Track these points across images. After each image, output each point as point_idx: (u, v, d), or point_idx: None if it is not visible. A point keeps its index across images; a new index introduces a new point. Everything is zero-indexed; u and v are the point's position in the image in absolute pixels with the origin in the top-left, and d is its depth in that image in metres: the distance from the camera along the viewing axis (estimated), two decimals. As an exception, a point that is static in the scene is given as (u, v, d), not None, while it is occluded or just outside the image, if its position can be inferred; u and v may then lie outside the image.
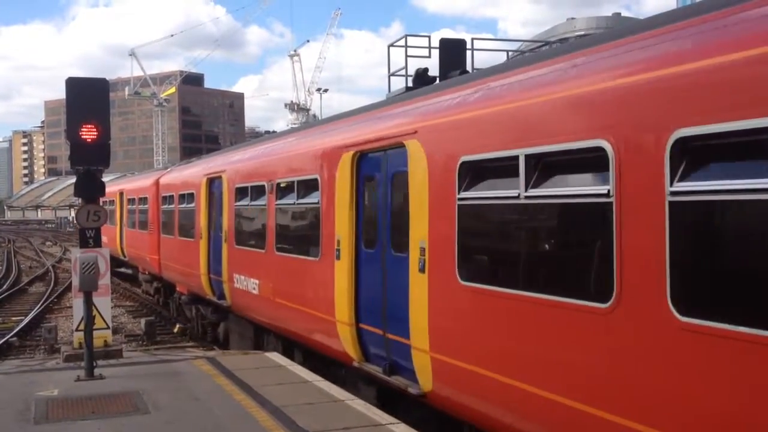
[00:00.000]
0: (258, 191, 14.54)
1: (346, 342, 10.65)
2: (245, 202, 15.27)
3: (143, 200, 26.59)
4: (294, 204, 12.99)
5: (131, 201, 29.45)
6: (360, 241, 10.61)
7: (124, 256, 31.46)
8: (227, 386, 11.05)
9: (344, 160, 10.87)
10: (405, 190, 9.03)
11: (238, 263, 15.65)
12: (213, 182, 17.77)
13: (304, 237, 12.71)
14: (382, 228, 9.96)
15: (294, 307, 12.73)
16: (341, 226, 10.88)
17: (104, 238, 34.55)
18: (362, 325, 10.30)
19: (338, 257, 10.92)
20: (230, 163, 16.94)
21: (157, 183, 24.70)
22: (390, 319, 9.40)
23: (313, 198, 12.07)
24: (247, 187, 15.17)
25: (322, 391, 10.56)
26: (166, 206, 22.95)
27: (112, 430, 8.88)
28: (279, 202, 13.47)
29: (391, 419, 9.03)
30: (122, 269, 34.94)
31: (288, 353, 13.69)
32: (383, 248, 9.90)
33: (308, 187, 12.35)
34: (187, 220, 19.97)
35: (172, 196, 21.90)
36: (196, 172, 19.91)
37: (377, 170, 10.09)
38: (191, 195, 19.53)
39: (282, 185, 13.46)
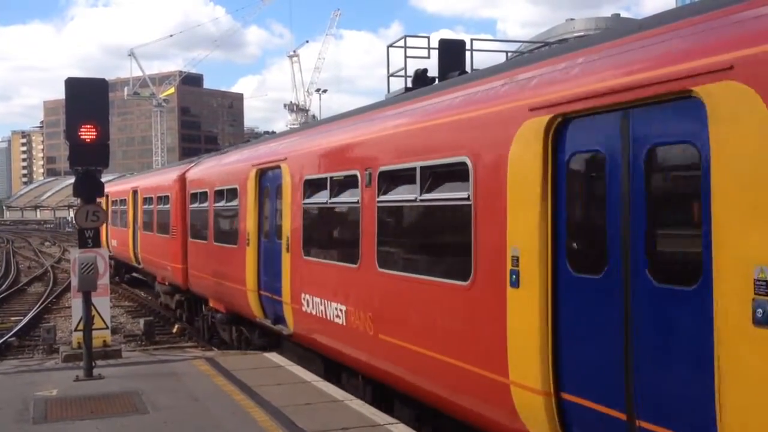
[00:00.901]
0: (344, 184, 10.95)
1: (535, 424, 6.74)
2: (321, 198, 11.67)
3: (163, 199, 22.72)
4: (412, 201, 8.90)
5: (147, 200, 25.42)
6: (562, 259, 6.54)
7: (138, 263, 27.66)
8: (226, 386, 11.06)
9: (531, 130, 6.77)
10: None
11: (308, 280, 11.94)
12: (265, 174, 14.39)
13: (427, 248, 9.06)
14: (616, 237, 6.00)
15: (415, 351, 8.69)
16: (521, 234, 6.84)
17: (114, 242, 32.62)
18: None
19: (515, 283, 6.91)
20: (295, 148, 13.05)
21: (181, 178, 20.96)
22: None
23: (455, 192, 8.04)
24: (324, 179, 11.48)
25: (321, 392, 10.57)
26: (195, 205, 19.35)
27: (110, 431, 8.88)
28: (384, 198, 9.56)
29: (390, 419, 9.05)
30: (135, 274, 32.87)
31: (389, 408, 10.06)
32: (627, 272, 5.87)
33: (444, 175, 8.38)
34: (226, 223, 16.70)
35: (204, 193, 18.43)
36: (239, 162, 16.22)
37: (603, 145, 6.16)
38: (232, 191, 16.00)
39: (390, 174, 9.47)
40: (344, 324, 10.52)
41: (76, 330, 13.78)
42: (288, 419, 9.13)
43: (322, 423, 8.92)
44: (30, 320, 22.37)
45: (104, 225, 33.40)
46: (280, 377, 11.63)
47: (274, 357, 13.39)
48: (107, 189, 35.64)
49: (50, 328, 18.33)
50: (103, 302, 14.02)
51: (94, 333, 12.67)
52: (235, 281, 15.39)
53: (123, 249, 30.18)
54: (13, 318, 23.67)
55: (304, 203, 12.20)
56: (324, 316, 11.24)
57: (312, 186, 12.02)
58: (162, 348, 18.40)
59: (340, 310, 10.66)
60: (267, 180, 14.28)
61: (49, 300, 27.39)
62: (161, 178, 24.38)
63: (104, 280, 13.88)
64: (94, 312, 12.80)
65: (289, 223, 12.65)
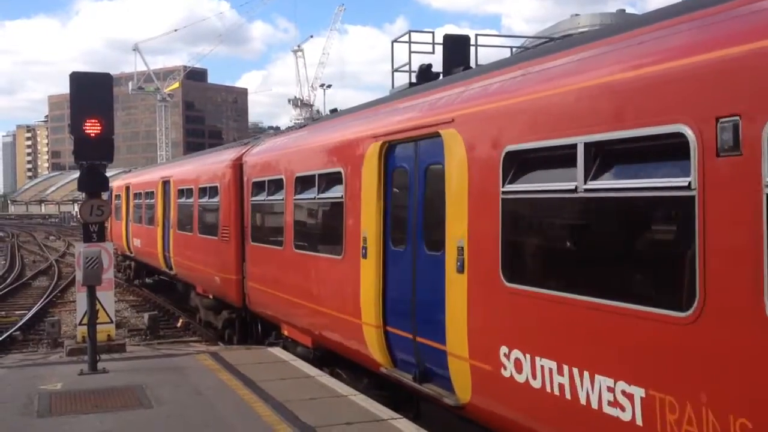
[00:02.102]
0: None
1: None
2: (557, 182, 6.64)
3: (209, 191, 18.16)
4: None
5: (184, 193, 20.75)
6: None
7: (169, 268, 22.80)
8: (230, 381, 11.09)
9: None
10: None
11: (522, 326, 7.11)
12: (396, 150, 9.69)
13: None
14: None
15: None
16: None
17: (136, 242, 28.08)
18: None
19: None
20: (478, 101, 8.13)
21: (237, 164, 16.36)
22: None
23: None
24: (564, 149, 6.50)
25: (325, 387, 10.59)
26: (260, 198, 14.75)
27: (115, 425, 8.91)
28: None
29: (393, 414, 9.07)
30: (161, 277, 27.45)
31: None
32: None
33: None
34: (318, 222, 12.57)
35: (277, 181, 13.70)
36: (343, 136, 11.32)
37: None
38: (331, 177, 11.42)
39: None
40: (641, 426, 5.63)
41: (80, 324, 13.82)
42: (292, 414, 9.15)
43: (326, 417, 8.94)
44: (35, 314, 22.42)
45: (123, 221, 30.59)
46: (284, 372, 11.65)
47: (278, 352, 13.42)
48: (127, 180, 31.66)
49: (55, 322, 18.38)
50: (107, 296, 14.06)
51: (99, 327, 12.70)
52: (337, 307, 10.96)
53: (149, 251, 25.42)
54: (17, 312, 23.72)
55: (509, 192, 7.21)
56: (567, 396, 6.33)
57: (528, 163, 7.09)
58: (166, 342, 18.44)
59: (629, 397, 5.68)
60: (401, 157, 9.58)
61: (53, 294, 27.45)
62: (205, 165, 19.47)
63: (109, 275, 13.92)
64: (98, 306, 12.82)
65: (465, 224, 7.85)
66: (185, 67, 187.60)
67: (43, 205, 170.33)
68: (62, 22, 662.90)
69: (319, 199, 11.94)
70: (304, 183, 12.54)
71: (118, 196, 32.79)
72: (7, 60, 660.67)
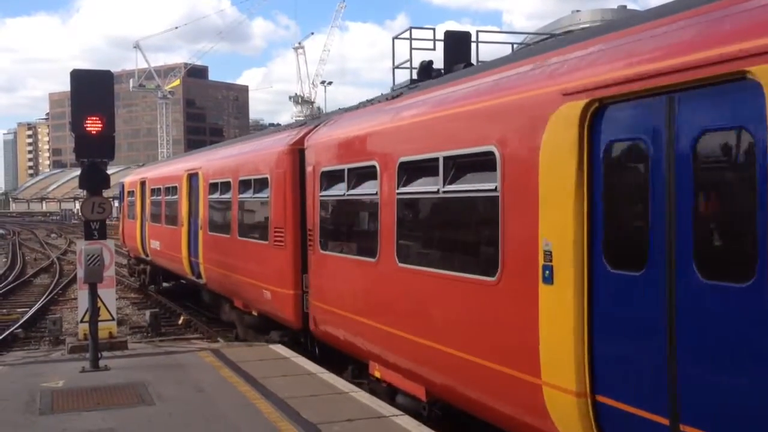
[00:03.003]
0: None
1: None
2: None
3: (255, 185, 14.93)
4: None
5: (218, 188, 17.50)
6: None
7: (198, 277, 19.50)
8: (231, 378, 11.10)
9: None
10: None
11: None
12: (609, 113, 6.23)
13: None
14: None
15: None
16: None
17: (154, 244, 24.24)
18: None
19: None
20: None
21: (294, 150, 13.09)
22: None
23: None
24: None
25: (327, 383, 10.59)
26: (335, 193, 11.38)
27: (116, 422, 8.92)
28: None
29: (395, 411, 9.07)
30: (182, 281, 24.13)
31: None
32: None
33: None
34: (449, 228, 8.87)
35: (367, 169, 10.27)
36: (503, 96, 7.64)
37: None
38: (476, 160, 7.98)
39: None
40: None
41: (82, 321, 13.84)
42: (293, 410, 9.16)
43: (327, 414, 8.95)
44: (36, 312, 22.44)
45: (138, 221, 27.10)
46: (286, 369, 11.66)
47: (279, 349, 13.42)
48: (143, 174, 27.78)
49: (56, 320, 18.39)
50: (109, 294, 14.07)
51: (100, 324, 12.70)
52: (485, 353, 7.67)
53: (171, 254, 22.15)
54: (19, 309, 23.75)
55: None
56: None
57: None
58: (168, 340, 18.45)
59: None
60: (628, 123, 6.07)
61: (55, 291, 27.48)
62: (248, 153, 16.03)
63: (110, 272, 13.92)
64: (100, 303, 12.83)
65: None
66: (186, 64, 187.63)
67: (44, 202, 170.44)
68: (63, 20, 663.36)
69: (447, 193, 8.30)
70: (414, 171, 9.05)
71: (131, 193, 29.52)
72: (8, 57, 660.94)
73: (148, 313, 20.90)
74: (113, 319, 14.49)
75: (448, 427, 9.06)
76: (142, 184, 27.10)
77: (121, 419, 9.02)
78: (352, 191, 10.76)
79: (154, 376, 11.24)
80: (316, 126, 12.89)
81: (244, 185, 15.60)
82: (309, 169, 12.27)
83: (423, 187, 8.88)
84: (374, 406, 9.29)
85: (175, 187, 21.64)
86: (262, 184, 14.55)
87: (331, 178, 11.50)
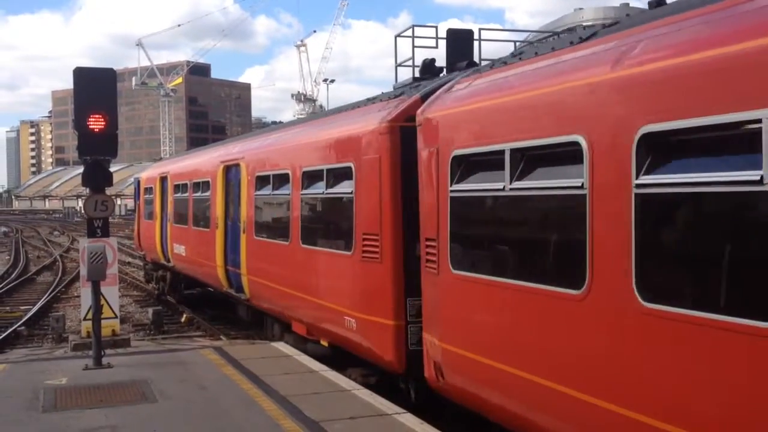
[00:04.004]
0: None
1: None
2: None
3: (326, 178, 11.69)
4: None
5: (263, 181, 14.42)
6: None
7: (237, 290, 16.07)
8: (234, 375, 11.12)
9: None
10: None
11: None
12: None
13: None
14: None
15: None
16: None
17: (179, 249, 20.83)
18: None
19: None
20: None
21: (394, 128, 9.83)
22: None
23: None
24: None
25: (329, 381, 10.61)
26: (482, 188, 7.83)
27: (119, 419, 8.94)
28: None
29: (397, 408, 9.08)
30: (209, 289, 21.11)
31: None
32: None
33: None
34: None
35: (567, 148, 6.34)
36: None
37: None
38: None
39: None
40: None
41: (85, 319, 13.87)
42: (295, 408, 9.17)
43: (330, 412, 8.96)
44: (39, 309, 22.47)
45: (157, 221, 23.66)
46: (288, 366, 11.67)
47: (281, 346, 13.43)
48: (164, 168, 24.24)
49: (59, 318, 18.42)
50: (111, 291, 14.10)
51: (103, 322, 12.73)
52: None
53: (201, 262, 18.85)
54: (22, 307, 23.79)
55: None
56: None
57: None
58: (170, 337, 18.48)
59: None
60: None
61: (58, 289, 27.51)
62: (318, 136, 12.40)
63: (113, 270, 13.95)
64: (103, 301, 12.86)
65: None
66: (188, 62, 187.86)
67: (47, 200, 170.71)
68: (66, 17, 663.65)
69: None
70: (681, 149, 5.28)
71: (149, 190, 25.84)
72: (11, 55, 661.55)
73: (150, 310, 20.95)
74: (116, 317, 14.51)
75: (453, 426, 8.96)
76: (163, 179, 23.66)
77: (124, 417, 9.04)
78: (523, 183, 6.95)
79: (157, 374, 11.26)
80: (436, 91, 9.13)
81: (311, 178, 12.22)
82: (425, 153, 8.63)
83: (712, 176, 4.93)
84: (376, 404, 9.30)
85: (207, 182, 18.22)
86: (339, 175, 11.10)
87: (475, 165, 7.86)
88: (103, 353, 12.08)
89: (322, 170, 11.73)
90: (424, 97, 9.38)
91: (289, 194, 12.99)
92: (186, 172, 21.28)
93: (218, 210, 17.16)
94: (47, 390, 10.34)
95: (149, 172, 27.25)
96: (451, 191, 8.10)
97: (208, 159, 19.26)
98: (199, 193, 19.20)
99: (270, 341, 14.51)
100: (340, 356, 11.53)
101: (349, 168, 10.65)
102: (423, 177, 8.76)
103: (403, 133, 9.53)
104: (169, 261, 22.78)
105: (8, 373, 11.73)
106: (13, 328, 19.35)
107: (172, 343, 16.67)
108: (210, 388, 10.36)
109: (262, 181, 14.54)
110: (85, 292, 13.68)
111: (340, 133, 11.44)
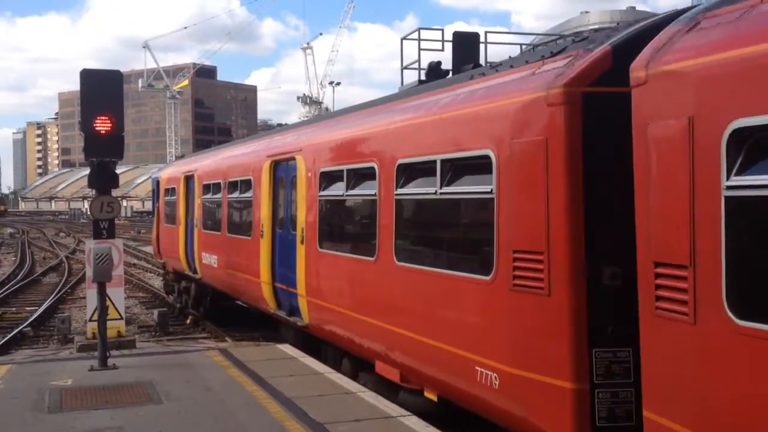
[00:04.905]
0: None
1: None
2: None
3: (445, 172, 8.44)
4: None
5: (329, 179, 11.81)
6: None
7: (290, 313, 13.42)
8: (239, 377, 11.12)
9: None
10: None
11: None
12: None
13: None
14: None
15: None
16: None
17: (209, 259, 17.88)
18: None
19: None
20: None
21: (578, 93, 6.56)
22: None
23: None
24: None
25: (334, 384, 10.60)
26: None
27: (125, 420, 8.95)
28: None
29: (402, 411, 9.07)
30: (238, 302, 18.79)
31: None
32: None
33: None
34: None
35: None
36: None
37: None
38: None
39: None
40: None
41: (90, 320, 13.89)
42: (300, 410, 9.17)
43: (335, 414, 8.96)
44: (45, 310, 22.49)
45: (181, 226, 20.74)
46: (293, 368, 11.67)
47: (287, 348, 13.44)
48: (190, 166, 21.01)
49: (65, 319, 18.44)
50: (117, 293, 14.12)
51: (109, 323, 12.74)
52: None
53: (238, 275, 16.25)
54: (28, 308, 23.83)
55: None
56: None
57: None
58: (175, 339, 18.48)
59: None
60: None
61: (64, 290, 27.54)
62: (422, 113, 9.27)
63: (119, 271, 13.97)
64: (108, 302, 12.88)
65: None
66: (195, 64, 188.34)
67: (53, 201, 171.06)
68: (73, 20, 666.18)
69: None
70: None
71: (170, 191, 22.99)
72: (18, 57, 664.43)
73: (156, 312, 20.95)
74: (122, 318, 14.54)
75: (457, 428, 8.80)
76: (188, 178, 20.77)
77: (130, 418, 9.05)
78: None
79: (162, 375, 11.27)
80: (642, 36, 6.32)
81: (412, 172, 9.23)
82: (661, 127, 5.50)
83: None
84: (381, 406, 9.30)
85: (247, 180, 15.62)
86: (465, 168, 8.16)
87: None
88: (108, 354, 12.10)
89: (432, 162, 8.55)
90: (617, 50, 6.56)
91: (374, 195, 9.96)
92: (218, 169, 18.35)
93: (264, 215, 14.39)
94: (53, 391, 10.36)
95: (171, 171, 24.32)
96: (731, 188, 4.86)
97: (249, 153, 16.37)
98: (236, 194, 16.49)
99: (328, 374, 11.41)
100: (457, 416, 8.81)
101: (486, 158, 7.56)
102: (654, 167, 5.57)
103: (587, 103, 6.57)
104: (195, 272, 19.88)
105: (14, 374, 11.75)
106: (19, 328, 19.37)
107: (177, 344, 16.68)
108: (215, 390, 10.36)
109: (329, 179, 11.66)
110: (90, 294, 13.71)
111: (463, 111, 8.31)
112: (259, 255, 14.46)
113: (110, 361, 12.01)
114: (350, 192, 10.92)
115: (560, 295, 6.58)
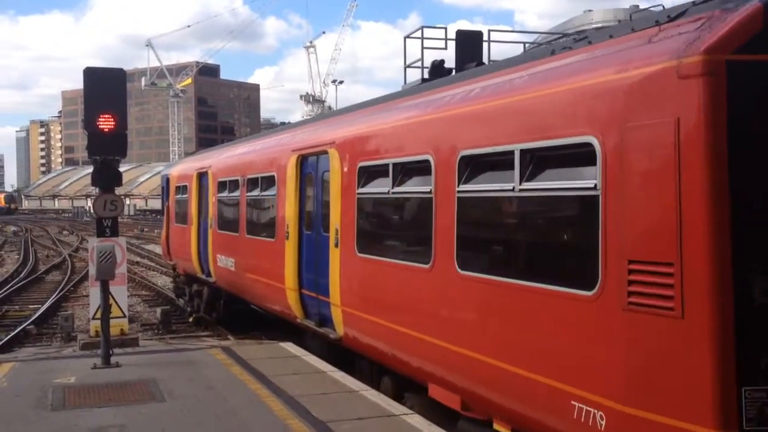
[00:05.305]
0: None
1: None
2: None
3: (518, 162, 6.97)
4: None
5: (376, 173, 10.18)
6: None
7: (323, 323, 11.99)
8: (242, 375, 11.12)
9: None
10: None
11: None
12: None
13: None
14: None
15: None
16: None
17: (224, 261, 16.69)
18: None
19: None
20: None
21: (721, 60, 5.19)
22: None
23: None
24: None
25: (337, 382, 10.60)
26: None
27: (128, 418, 8.96)
28: None
29: (405, 410, 9.07)
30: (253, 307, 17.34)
31: None
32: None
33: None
34: None
35: None
36: None
37: None
38: None
39: None
40: None
41: (93, 318, 13.92)
42: (303, 408, 9.17)
43: (338, 413, 8.96)
44: (48, 308, 22.53)
45: (193, 226, 19.44)
46: (296, 367, 11.67)
47: (290, 347, 13.43)
48: (204, 162, 19.72)
49: (68, 317, 18.46)
50: (120, 291, 14.15)
51: (112, 321, 12.76)
52: None
53: (254, 280, 15.28)
54: (31, 306, 23.87)
55: None
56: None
57: None
58: (178, 337, 18.50)
59: None
60: None
61: (66, 288, 27.58)
62: (489, 94, 7.84)
63: (122, 269, 13.98)
64: (111, 300, 12.90)
65: None
66: (198, 62, 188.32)
67: (56, 200, 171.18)
68: (76, 18, 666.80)
69: None
70: None
71: (181, 189, 21.75)
72: (22, 55, 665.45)
73: (159, 310, 20.98)
74: (125, 316, 14.57)
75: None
76: (201, 175, 19.53)
77: (132, 416, 9.06)
78: None
79: (165, 373, 11.28)
80: None
81: (478, 166, 7.81)
82: None
83: None
84: (384, 405, 9.29)
85: (270, 177, 14.42)
86: (555, 160, 6.72)
87: None
88: (111, 352, 12.11)
89: (508, 153, 7.11)
90: None
91: (429, 192, 8.60)
92: (236, 165, 17.05)
93: (289, 214, 13.16)
94: (56, 389, 10.37)
95: (182, 167, 22.92)
96: None
97: (271, 148, 15.09)
98: (256, 192, 15.21)
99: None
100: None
101: (585, 146, 6.18)
102: None
103: (732, 74, 5.21)
104: (209, 275, 18.64)
105: (17, 372, 11.76)
106: (22, 326, 19.40)
107: (180, 342, 16.71)
108: (218, 388, 10.37)
109: (371, 174, 10.32)
110: (93, 292, 13.73)
111: (549, 91, 6.80)
112: (284, 258, 13.14)
113: (113, 359, 12.02)
114: (397, 189, 9.49)
115: (698, 317, 5.16)
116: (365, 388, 10.23)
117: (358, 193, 10.50)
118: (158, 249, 46.75)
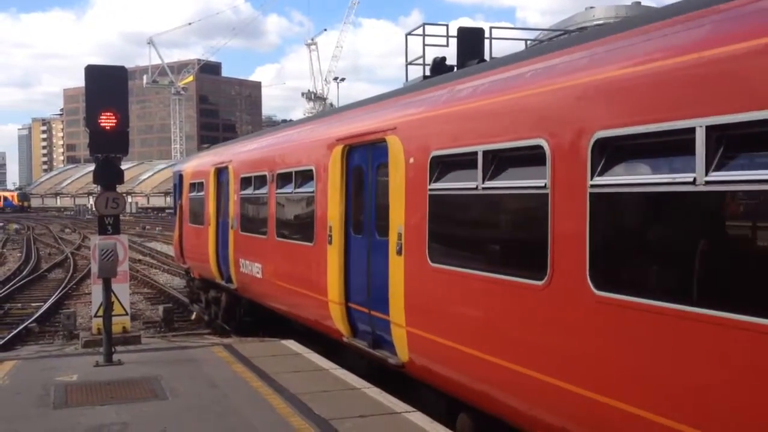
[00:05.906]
0: None
1: None
2: None
3: (705, 146, 4.80)
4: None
5: (454, 165, 8.18)
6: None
7: (378, 344, 10.09)
8: (244, 373, 11.12)
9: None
10: None
11: None
12: None
13: None
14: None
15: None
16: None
17: (248, 267, 15.24)
18: None
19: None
20: None
21: None
22: None
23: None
24: None
25: (339, 379, 10.60)
26: None
27: (130, 416, 8.96)
28: None
29: (407, 407, 9.06)
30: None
31: None
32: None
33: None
34: None
35: None
36: None
37: None
38: None
39: None
40: None
41: (95, 316, 13.92)
42: (305, 406, 9.17)
43: (339, 410, 8.95)
44: (50, 306, 22.55)
45: (210, 227, 17.85)
46: (298, 364, 11.67)
47: (292, 344, 13.43)
48: (223, 156, 17.94)
49: (70, 314, 18.48)
50: (122, 289, 14.14)
51: (114, 319, 12.77)
52: None
53: (286, 289, 13.53)
54: (33, 304, 23.89)
55: None
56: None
57: None
58: (181, 335, 18.52)
59: None
60: None
61: (69, 286, 27.61)
62: (617, 58, 5.92)
63: (124, 267, 13.98)
64: (113, 298, 12.90)
65: None
66: (199, 60, 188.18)
67: (58, 197, 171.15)
68: (78, 16, 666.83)
69: None
70: None
71: (196, 186, 19.94)
72: (23, 53, 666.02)
73: (161, 308, 21.00)
74: (127, 314, 14.56)
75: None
76: (220, 171, 17.81)
77: (135, 413, 9.06)
78: None
79: (168, 371, 11.28)
80: None
81: (617, 151, 5.83)
82: None
83: None
84: (386, 403, 9.29)
85: (306, 171, 12.60)
86: (757, 138, 4.63)
87: None
88: (113, 350, 12.12)
89: (682, 132, 5.06)
90: None
91: (542, 186, 6.56)
92: (263, 159, 15.16)
93: (333, 214, 11.31)
94: (58, 386, 10.38)
95: (197, 163, 20.99)
96: None
97: (307, 138, 13.12)
98: (289, 189, 13.45)
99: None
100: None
101: None
102: None
103: None
104: (229, 282, 16.92)
105: (19, 370, 11.77)
106: (24, 324, 19.43)
107: (182, 340, 16.72)
108: (220, 386, 10.37)
109: (449, 166, 8.34)
110: (96, 290, 13.71)
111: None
112: (326, 266, 11.41)
113: (115, 357, 12.03)
114: (490, 184, 7.43)
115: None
116: (367, 385, 10.22)
117: (431, 190, 8.49)
118: (160, 246, 46.84)
